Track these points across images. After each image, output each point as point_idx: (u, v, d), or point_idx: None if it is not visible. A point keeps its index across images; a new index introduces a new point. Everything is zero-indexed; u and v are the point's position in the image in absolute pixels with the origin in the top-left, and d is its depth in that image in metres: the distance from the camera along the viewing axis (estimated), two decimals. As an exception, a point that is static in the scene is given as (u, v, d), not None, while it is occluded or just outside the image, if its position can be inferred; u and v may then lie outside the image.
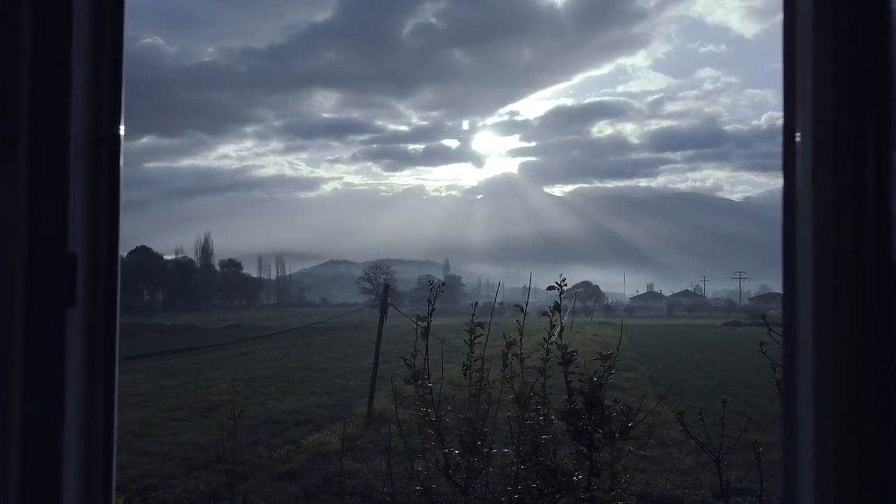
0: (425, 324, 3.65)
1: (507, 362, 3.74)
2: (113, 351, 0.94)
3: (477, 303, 3.89)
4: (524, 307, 3.98)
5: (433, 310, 3.71)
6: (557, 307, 3.73)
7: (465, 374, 3.67)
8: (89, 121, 0.92)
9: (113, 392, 0.94)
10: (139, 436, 11.89)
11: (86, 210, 0.92)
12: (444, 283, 3.99)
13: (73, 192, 0.89)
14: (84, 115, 0.91)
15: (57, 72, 0.88)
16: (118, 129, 0.94)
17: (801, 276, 0.98)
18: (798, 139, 1.02)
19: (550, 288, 3.78)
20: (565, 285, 3.78)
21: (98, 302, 0.94)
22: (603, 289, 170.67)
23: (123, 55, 0.94)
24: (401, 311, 15.06)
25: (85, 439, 0.89)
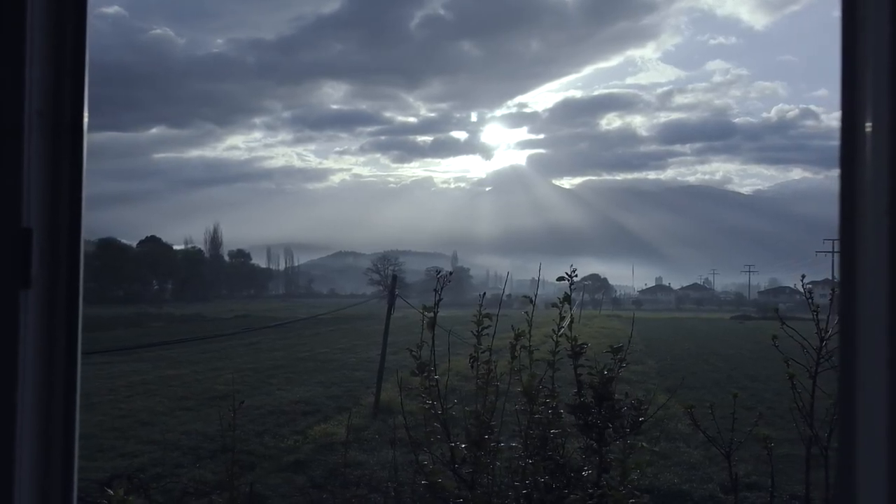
0: (431, 314, 3.58)
1: (516, 354, 3.68)
2: (75, 339, 0.86)
3: (485, 293, 3.81)
4: (533, 298, 3.91)
5: (440, 300, 3.63)
6: (567, 298, 3.65)
7: (472, 366, 3.61)
8: (48, 86, 0.85)
9: (75, 386, 0.85)
10: (147, 424, 11.93)
11: (43, 181, 0.84)
12: (451, 273, 3.91)
13: (28, 160, 0.81)
14: (42, 81, 0.83)
15: (10, 36, 0.80)
16: (82, 99, 0.86)
17: (868, 275, 0.90)
18: (868, 129, 0.94)
19: (560, 279, 3.70)
20: (575, 276, 3.69)
21: (58, 284, 0.86)
22: (611, 281, 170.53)
23: (87, 21, 0.86)
24: (409, 302, 15.02)
25: (42, 439, 0.81)
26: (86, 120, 0.88)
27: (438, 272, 3.78)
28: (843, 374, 0.91)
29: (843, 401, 0.91)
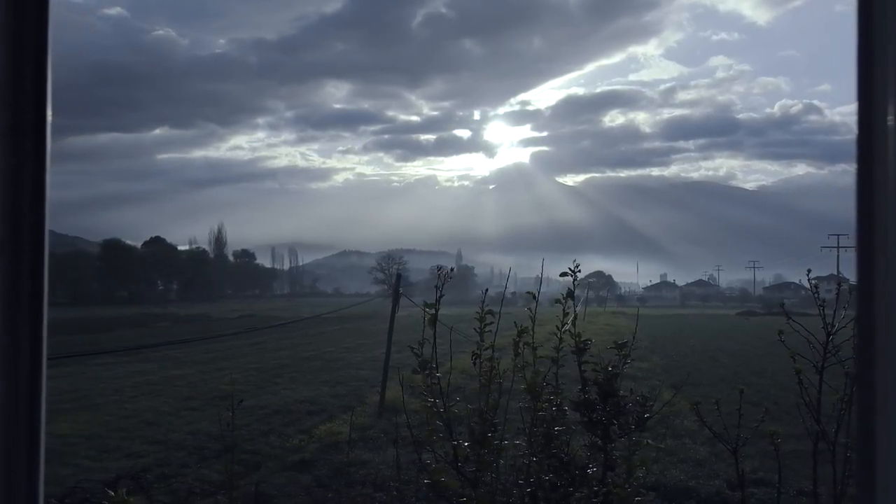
0: (433, 311, 3.55)
1: (519, 351, 3.65)
2: (40, 338, 0.82)
3: (487, 290, 3.78)
4: (536, 295, 3.88)
5: (441, 296, 3.61)
6: (571, 294, 3.62)
7: (474, 363, 3.58)
8: (6, 73, 0.81)
9: (40, 393, 0.81)
10: (152, 425, 11.94)
11: (3, 167, 0.80)
12: (452, 269, 3.88)
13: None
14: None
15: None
16: (45, 78, 0.83)
17: (889, 272, 0.87)
18: (891, 122, 0.90)
19: (564, 274, 3.67)
20: (579, 271, 3.66)
21: (20, 279, 0.82)
22: (615, 278, 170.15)
23: (50, 14, 0.83)
24: (413, 300, 15.01)
25: (4, 442, 0.78)
26: (49, 100, 0.84)
27: (439, 268, 3.76)
28: (861, 372, 0.88)
29: (861, 400, 0.88)
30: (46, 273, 0.80)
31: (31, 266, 0.80)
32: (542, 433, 3.49)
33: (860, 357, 0.89)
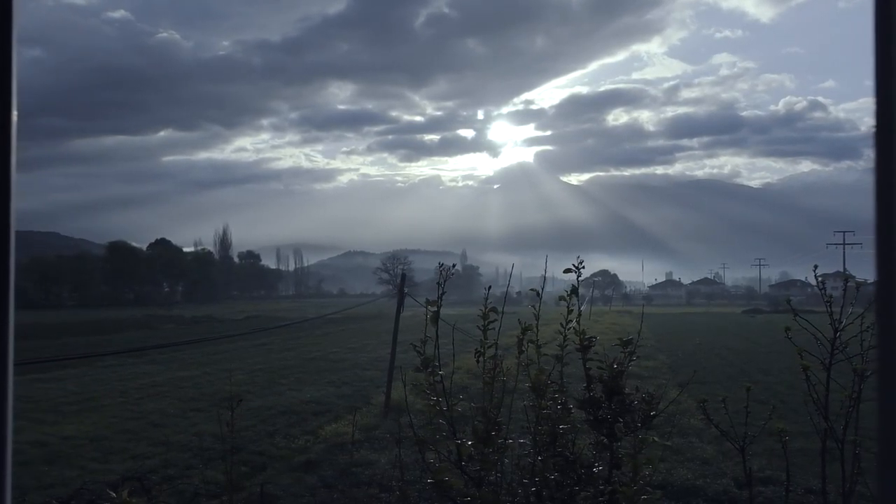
0: (435, 309, 3.52)
1: (523, 349, 3.62)
2: (6, 348, 0.79)
3: (490, 287, 3.75)
4: (540, 292, 3.85)
5: (443, 293, 3.58)
6: (575, 291, 3.58)
7: (477, 361, 3.55)
8: None
9: (6, 396, 0.79)
10: (158, 426, 11.94)
11: None
12: (454, 266, 3.85)
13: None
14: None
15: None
16: (10, 89, 0.80)
17: None
18: None
19: (567, 271, 3.64)
20: (583, 268, 3.63)
21: None
22: (621, 277, 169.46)
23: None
24: (418, 300, 14.96)
25: None
26: (14, 99, 0.81)
27: (441, 263, 3.73)
28: (882, 369, 0.86)
29: (882, 398, 0.86)
30: (12, 275, 0.77)
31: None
32: (546, 431, 3.46)
33: (881, 353, 0.86)
